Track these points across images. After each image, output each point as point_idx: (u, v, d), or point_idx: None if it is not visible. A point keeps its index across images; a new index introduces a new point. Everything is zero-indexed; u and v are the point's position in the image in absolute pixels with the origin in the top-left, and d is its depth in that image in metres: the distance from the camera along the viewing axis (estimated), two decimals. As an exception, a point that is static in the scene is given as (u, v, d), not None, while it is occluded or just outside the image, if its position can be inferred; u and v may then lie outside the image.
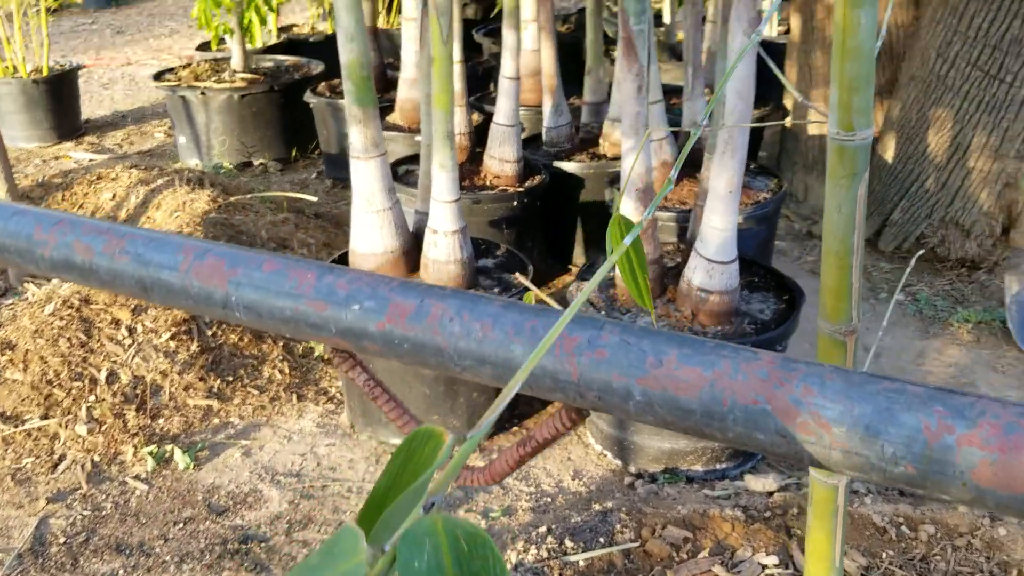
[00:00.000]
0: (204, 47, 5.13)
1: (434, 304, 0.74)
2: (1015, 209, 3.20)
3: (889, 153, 3.44)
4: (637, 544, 1.97)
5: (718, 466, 2.26)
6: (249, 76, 4.47)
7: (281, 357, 2.71)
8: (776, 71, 1.08)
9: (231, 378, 2.60)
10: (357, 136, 2.23)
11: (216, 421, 2.49)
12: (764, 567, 1.91)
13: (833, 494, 1.21)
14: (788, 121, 2.04)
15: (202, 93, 4.27)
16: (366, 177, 2.27)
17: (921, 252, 1.45)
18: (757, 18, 1.94)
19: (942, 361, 2.81)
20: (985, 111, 3.07)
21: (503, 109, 3.04)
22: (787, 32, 4.46)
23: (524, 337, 0.70)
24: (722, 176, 2.07)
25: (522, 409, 2.58)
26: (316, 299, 0.78)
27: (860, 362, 2.40)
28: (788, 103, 3.99)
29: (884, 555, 1.93)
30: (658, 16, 5.68)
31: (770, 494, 2.15)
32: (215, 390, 2.55)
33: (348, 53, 2.13)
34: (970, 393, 0.58)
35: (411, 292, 0.75)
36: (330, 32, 5.59)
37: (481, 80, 4.49)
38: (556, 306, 2.29)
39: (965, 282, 3.24)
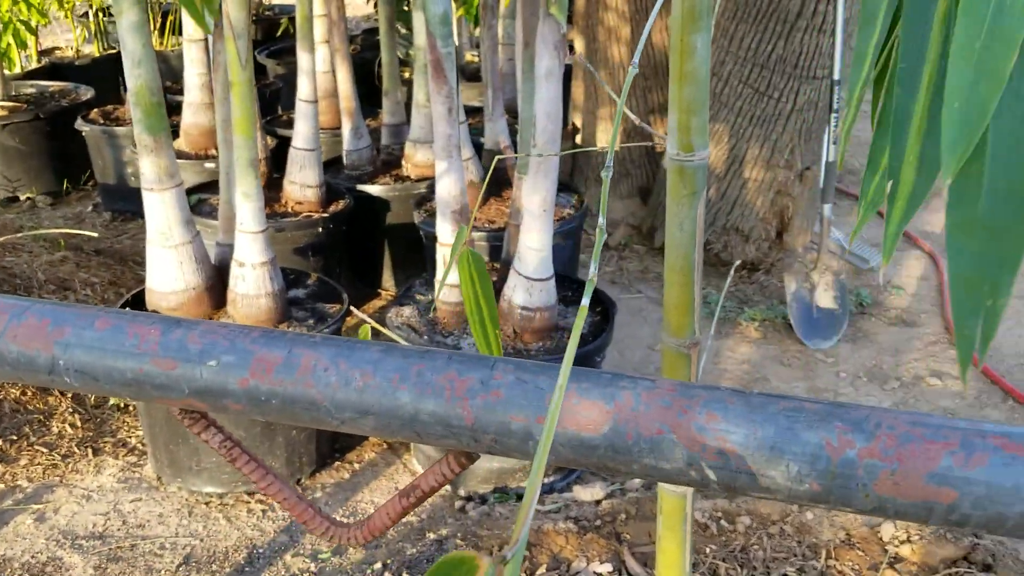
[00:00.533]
0: (-51, 71, 4.61)
1: (304, 353, 0.68)
2: (786, 214, 3.48)
3: (675, 166, 3.64)
4: (477, 570, 1.95)
5: (546, 480, 2.29)
6: (10, 104, 4.07)
7: (71, 409, 2.47)
8: (614, 95, 1.09)
9: (15, 437, 2.34)
10: (149, 167, 2.07)
11: (1, 486, 2.23)
12: (599, 575, 1.94)
13: (683, 503, 1.24)
14: (575, 136, 2.11)
15: (-48, 122, 3.84)
16: (161, 210, 2.12)
17: (738, 263, 1.53)
18: (562, 40, 1.98)
19: (736, 359, 2.99)
20: (757, 125, 3.32)
21: (302, 133, 2.94)
22: (571, 52, 4.62)
23: (411, 383, 0.66)
24: (536, 196, 2.09)
25: (343, 442, 2.50)
26: (164, 357, 0.70)
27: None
28: (577, 122, 4.14)
29: (708, 550, 2.02)
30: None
31: (598, 503, 2.20)
32: (-5, 453, 2.28)
33: (136, 79, 1.98)
34: (862, 406, 0.61)
35: (277, 342, 0.69)
36: (97, 55, 5.20)
37: (269, 103, 4.34)
38: (402, 341, 2.24)
39: (747, 283, 3.48)
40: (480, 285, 1.32)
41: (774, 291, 3.39)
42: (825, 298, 3.09)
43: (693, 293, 1.14)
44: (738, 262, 1.61)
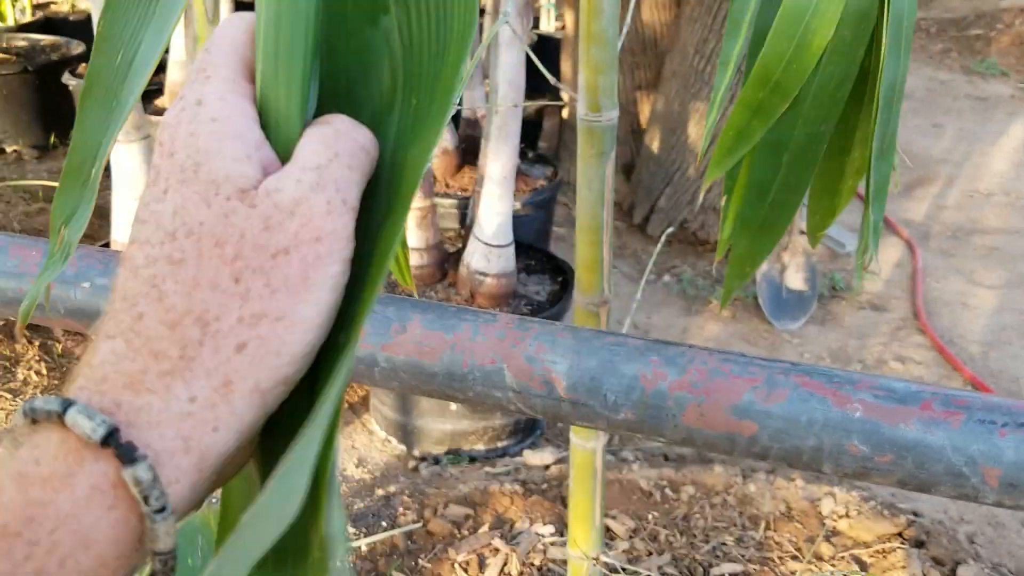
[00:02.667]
0: (-57, 22, 4.64)
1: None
2: (765, 196, 3.49)
3: (655, 144, 3.66)
4: (420, 525, 1.99)
5: (499, 444, 2.33)
6: (0, 56, 4.09)
7: (37, 358, 2.51)
8: (535, 61, 1.12)
9: (-21, 382, 2.38)
10: (117, 118, 2.10)
11: (-38, 429, 2.28)
12: (541, 536, 1.98)
13: (592, 457, 1.28)
14: (562, 110, 2.12)
15: (-59, 72, 3.87)
16: (128, 161, 2.15)
17: (670, 229, 1.55)
18: (526, 9, 2.00)
19: (703, 336, 3.02)
20: (737, 105, 3.33)
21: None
22: (563, 28, 4.62)
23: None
24: (497, 162, 2.12)
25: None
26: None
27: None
28: (564, 96, 4.14)
29: (650, 516, 2.06)
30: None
31: (547, 467, 2.24)
32: (-40, 396, 2.33)
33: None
34: (682, 344, 0.64)
35: (149, 267, 0.72)
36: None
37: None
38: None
39: (724, 263, 3.50)
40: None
41: (748, 272, 3.41)
42: (795, 279, 3.12)
43: (602, 252, 1.17)
44: (671, 230, 1.65)
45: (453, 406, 2.24)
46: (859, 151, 0.68)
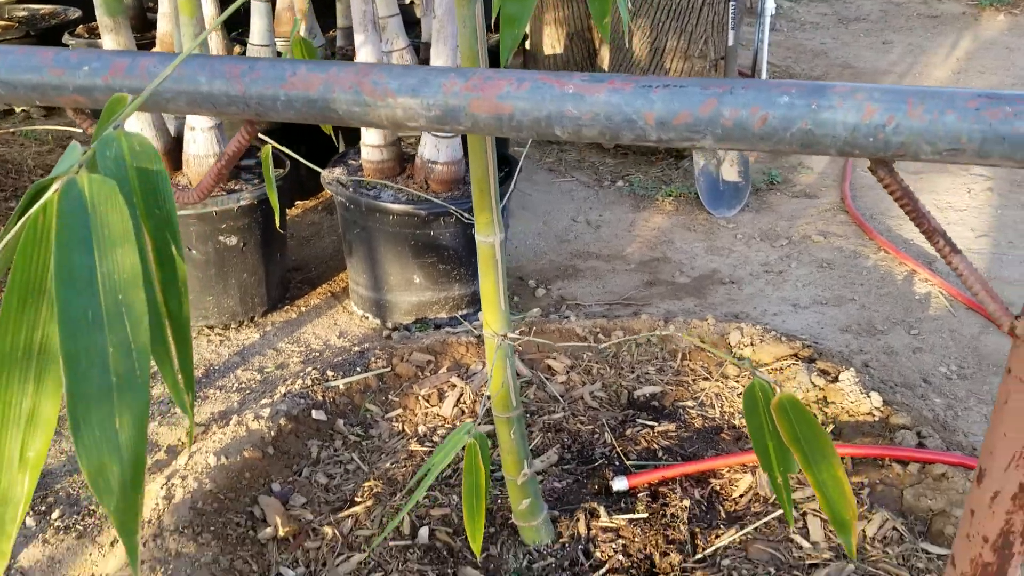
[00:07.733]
0: (-54, -5, 4.97)
1: (141, 60, 1.06)
2: (707, 103, 3.80)
3: (606, 63, 3.97)
4: (388, 369, 2.35)
5: (459, 313, 2.68)
6: (2, 24, 4.43)
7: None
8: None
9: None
10: (110, 44, 2.44)
11: None
12: (492, 375, 2.34)
13: (492, 250, 1.62)
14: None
15: (-51, 37, 4.21)
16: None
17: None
18: (451, -77, 2.31)
19: (649, 227, 3.36)
20: (674, 18, 3.64)
21: (257, 29, 3.29)
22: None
23: (211, 71, 1.03)
24: (438, 60, 2.45)
25: (293, 292, 2.89)
26: (55, 68, 1.08)
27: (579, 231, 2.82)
28: (526, 27, 4.45)
29: (586, 356, 2.41)
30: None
31: (499, 325, 2.59)
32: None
33: (92, -36, 2.33)
34: (479, 71, 0.97)
35: (125, 55, 1.06)
36: (84, -21, 5.53)
37: (244, 18, 4.67)
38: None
39: (673, 169, 3.83)
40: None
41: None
42: (730, 172, 3.44)
43: (479, 65, 1.51)
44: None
45: (417, 279, 2.59)
46: None
